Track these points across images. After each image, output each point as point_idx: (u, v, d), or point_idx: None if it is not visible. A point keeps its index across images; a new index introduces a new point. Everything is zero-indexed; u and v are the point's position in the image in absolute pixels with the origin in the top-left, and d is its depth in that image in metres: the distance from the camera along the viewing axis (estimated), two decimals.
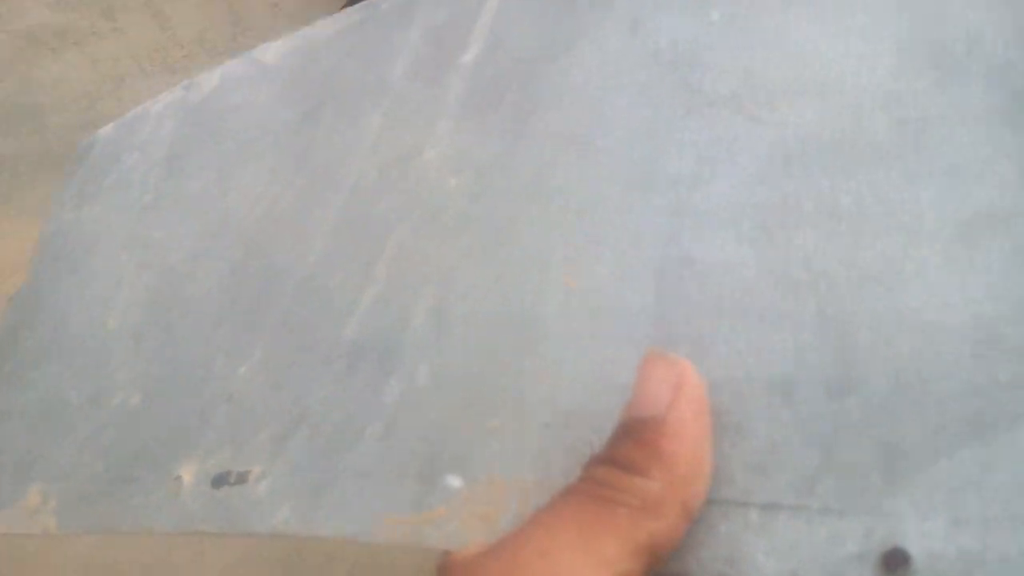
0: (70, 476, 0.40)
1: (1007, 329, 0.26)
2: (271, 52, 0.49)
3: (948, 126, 0.29)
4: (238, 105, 0.48)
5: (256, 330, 0.38)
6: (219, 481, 0.34)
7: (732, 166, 0.31)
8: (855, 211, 0.29)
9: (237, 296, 0.40)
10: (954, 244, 0.28)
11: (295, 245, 0.39)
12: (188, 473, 0.35)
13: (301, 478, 0.32)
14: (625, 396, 0.27)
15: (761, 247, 0.29)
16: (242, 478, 0.34)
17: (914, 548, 0.25)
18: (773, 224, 0.29)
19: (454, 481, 0.30)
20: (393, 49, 0.43)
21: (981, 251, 0.27)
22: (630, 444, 0.25)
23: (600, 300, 0.31)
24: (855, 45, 0.31)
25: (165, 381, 0.39)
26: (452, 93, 0.39)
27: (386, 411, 0.32)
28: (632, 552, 0.24)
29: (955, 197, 0.28)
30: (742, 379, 0.28)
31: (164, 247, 0.44)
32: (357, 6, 0.47)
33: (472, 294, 0.33)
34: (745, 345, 0.28)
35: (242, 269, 0.40)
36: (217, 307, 0.40)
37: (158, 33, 1.97)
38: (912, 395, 0.26)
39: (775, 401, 0.27)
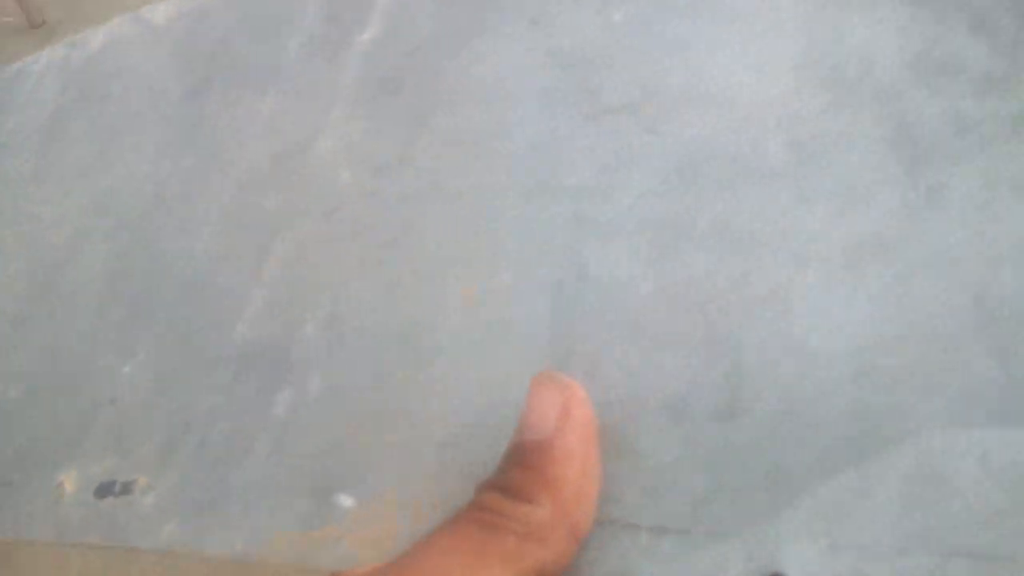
0: None
1: (885, 358, 0.27)
2: (160, 12, 0.47)
3: (839, 150, 0.30)
4: (124, 68, 0.46)
5: (141, 325, 0.37)
6: (103, 491, 0.33)
7: (630, 179, 0.31)
8: (747, 232, 0.29)
9: (121, 285, 0.38)
10: (839, 270, 0.28)
11: (181, 234, 0.38)
12: (70, 480, 0.34)
13: (189, 491, 0.32)
14: (518, 413, 0.27)
15: (656, 265, 0.29)
16: (127, 488, 0.33)
17: (793, 573, 0.26)
18: (668, 242, 0.29)
19: (346, 500, 0.30)
20: (287, 22, 0.42)
21: (864, 278, 0.28)
22: (517, 470, 0.26)
23: (496, 313, 0.31)
24: (755, 59, 0.31)
25: (46, 375, 0.38)
26: (348, 75, 0.38)
27: (276, 424, 0.32)
28: None
29: (842, 222, 0.29)
30: (634, 400, 0.28)
31: (44, 222, 0.43)
32: None
33: (366, 303, 0.33)
34: (638, 365, 0.28)
35: (126, 255, 0.39)
36: (101, 295, 0.39)
37: None
38: (796, 419, 0.27)
39: (666, 423, 0.28)
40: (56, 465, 0.34)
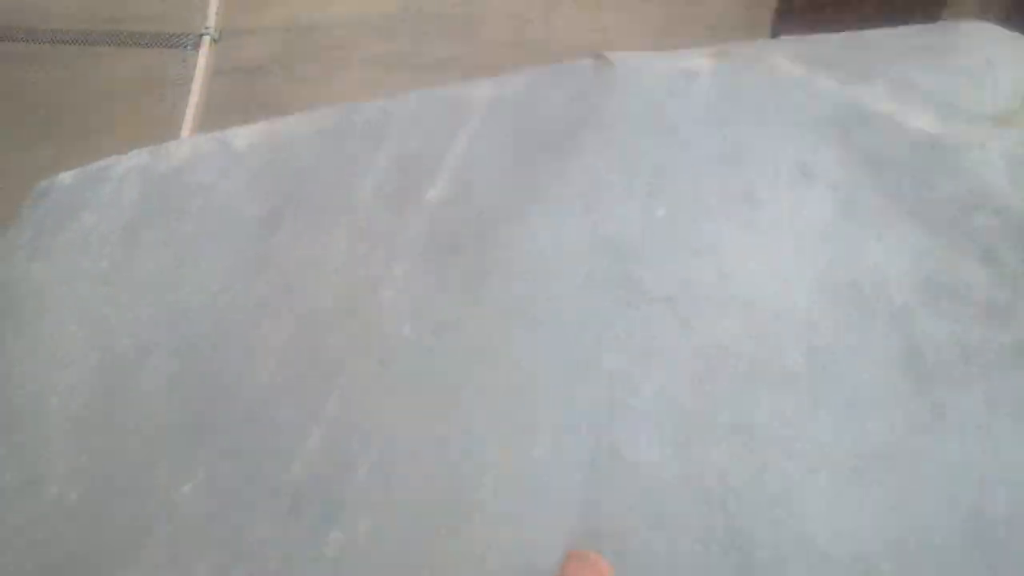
0: None
1: (884, 564, 0.30)
2: (242, 137, 0.50)
3: (852, 362, 0.33)
4: (203, 185, 0.48)
5: (202, 447, 0.39)
6: None
7: (664, 367, 0.34)
8: (765, 431, 0.32)
9: (184, 403, 0.40)
10: (847, 477, 0.31)
11: (245, 360, 0.40)
12: None
13: None
14: None
15: (682, 453, 0.32)
16: None
17: None
18: (693, 433, 0.32)
19: None
20: (362, 167, 0.44)
21: (870, 486, 0.31)
22: None
23: (532, 483, 0.33)
24: (779, 268, 0.34)
25: (105, 480, 0.39)
26: (413, 230, 0.41)
27: (327, 564, 0.34)
28: None
29: (852, 430, 0.32)
30: None
31: (114, 328, 0.45)
32: (331, 111, 0.48)
33: (415, 454, 0.35)
34: (661, 547, 0.31)
35: (191, 373, 0.41)
36: (163, 409, 0.40)
37: None
38: None
39: None
40: (111, 573, 0.36)
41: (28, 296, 0.48)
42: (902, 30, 0.40)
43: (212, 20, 1.24)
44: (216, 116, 1.46)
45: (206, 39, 1.22)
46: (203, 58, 1.20)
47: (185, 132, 1.11)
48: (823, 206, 0.35)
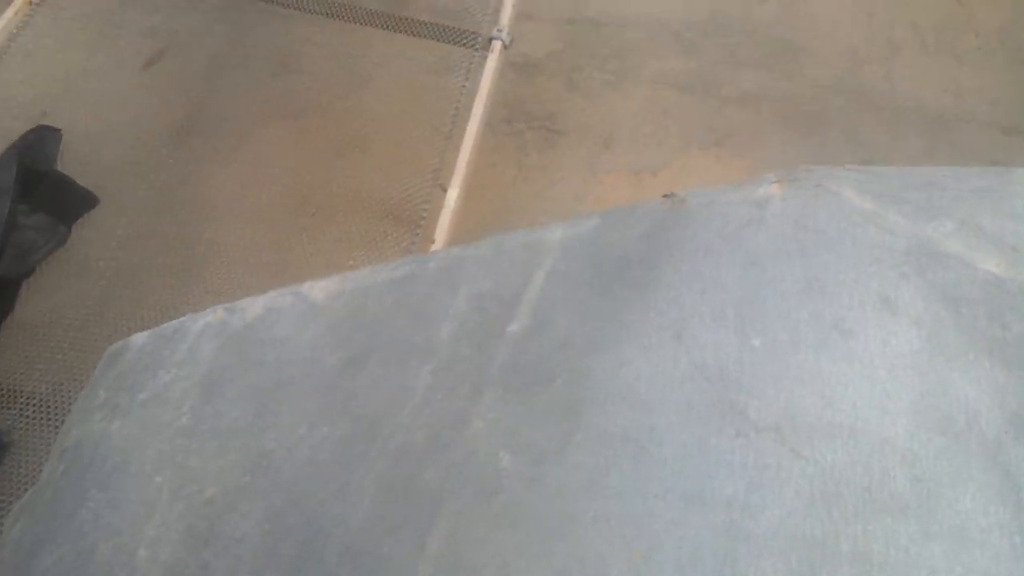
0: None
1: None
2: (318, 290, 0.50)
3: (954, 491, 0.35)
4: (280, 338, 0.48)
5: None
6: None
7: (780, 496, 0.36)
8: (883, 558, 0.34)
9: (277, 547, 0.40)
10: None
11: (338, 502, 0.40)
12: None
13: None
14: None
15: None
16: None
17: None
18: (817, 561, 0.34)
19: None
20: (440, 309, 0.45)
21: None
22: None
23: None
24: (878, 398, 0.36)
25: None
26: (498, 362, 0.42)
27: None
28: None
29: (961, 559, 0.34)
30: None
31: (200, 477, 0.44)
32: (404, 260, 0.49)
33: None
34: None
35: (282, 517, 0.41)
36: (257, 552, 0.40)
37: (955, 7, 1.57)
38: None
39: None
40: None
41: (110, 453, 0.46)
42: (962, 171, 0.44)
43: (506, 21, 1.13)
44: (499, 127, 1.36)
45: (497, 43, 1.16)
46: (492, 63, 1.08)
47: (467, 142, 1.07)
48: (910, 339, 0.38)
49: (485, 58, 1.11)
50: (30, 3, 1.14)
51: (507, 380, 0.41)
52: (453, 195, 0.97)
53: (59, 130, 1.16)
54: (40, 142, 1.15)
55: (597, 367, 0.40)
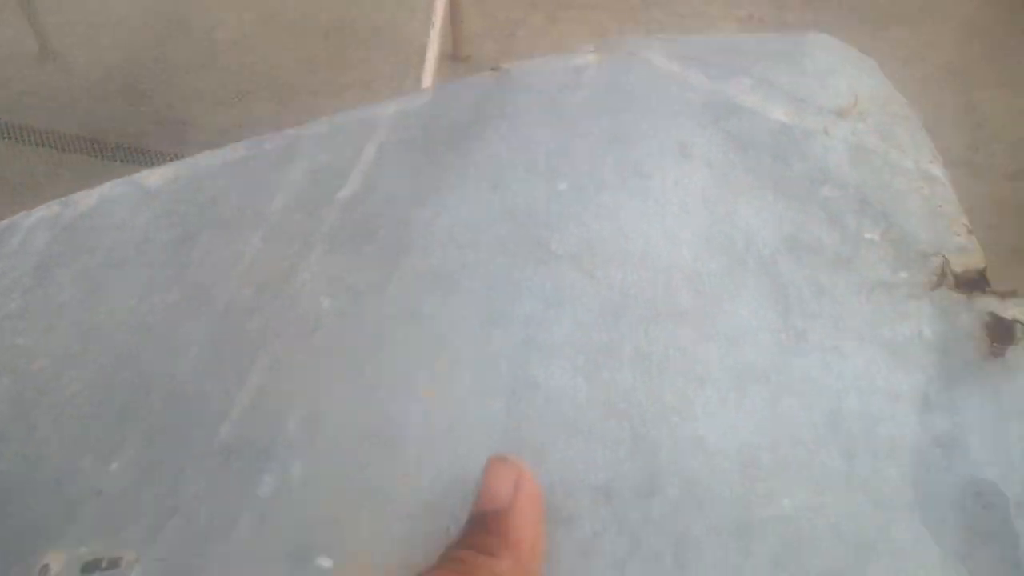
0: None
1: (763, 454, 0.37)
2: (154, 176, 0.51)
3: (731, 302, 0.40)
4: (114, 224, 0.49)
5: (127, 432, 0.40)
6: (89, 568, 0.36)
7: (573, 312, 0.40)
8: (662, 358, 0.39)
9: (106, 401, 0.41)
10: (730, 389, 0.38)
11: (167, 356, 0.42)
12: (57, 561, 0.36)
13: (173, 563, 0.36)
14: (476, 490, 0.34)
15: (592, 379, 0.38)
16: (114, 563, 0.36)
17: None
18: (602, 361, 0.39)
19: (324, 562, 0.35)
20: (274, 184, 0.48)
21: (748, 397, 0.38)
22: (482, 532, 0.33)
23: (457, 412, 0.38)
24: (669, 228, 0.41)
25: (25, 479, 0.40)
26: (327, 224, 0.45)
27: (259, 503, 0.37)
28: None
29: (732, 355, 0.39)
30: (573, 483, 0.36)
31: (29, 352, 0.45)
32: (240, 144, 0.51)
33: (343, 404, 0.39)
34: (576, 455, 0.37)
35: (111, 375, 0.42)
36: (85, 410, 0.41)
37: None
38: (698, 500, 0.36)
39: (598, 500, 0.36)
40: (40, 552, 0.37)
41: None
42: (763, 38, 0.49)
43: None
44: None
45: None
46: None
47: None
48: (702, 178, 0.43)
49: None
50: None
51: (334, 237, 0.44)
52: None
53: None
54: None
55: (417, 218, 0.44)
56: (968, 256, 0.41)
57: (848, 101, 0.46)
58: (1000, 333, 0.39)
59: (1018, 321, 0.39)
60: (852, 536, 0.36)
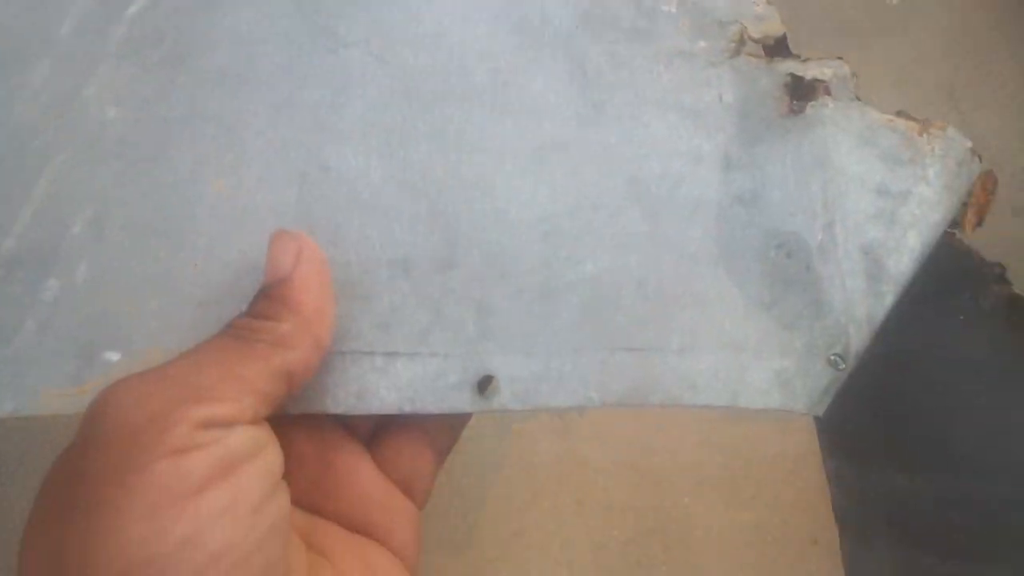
0: None
1: (564, 221, 0.36)
2: None
3: (527, 77, 0.39)
4: None
5: None
6: None
7: (363, 95, 0.38)
8: (458, 134, 0.37)
9: None
10: (530, 163, 0.37)
11: None
12: None
13: None
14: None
15: (386, 158, 0.37)
16: None
17: (499, 374, 0.33)
18: (395, 141, 0.37)
19: (112, 356, 0.34)
20: (61, 9, 0.44)
21: (548, 168, 0.37)
22: (264, 300, 0.31)
23: (247, 200, 0.36)
24: (461, 9, 0.40)
25: None
26: (114, 40, 0.42)
27: (44, 306, 0.35)
28: (270, 375, 0.29)
29: (531, 127, 0.38)
30: (370, 259, 0.35)
31: None
32: None
33: (129, 205, 0.37)
34: (373, 233, 0.35)
35: None
36: None
37: None
38: (499, 269, 0.35)
39: (396, 275, 0.35)
40: None
41: None
42: None
43: None
44: None
45: None
46: None
47: None
48: None
49: None
50: None
51: (121, 52, 0.41)
52: None
53: None
54: None
55: (203, 21, 0.41)
56: (767, 24, 0.41)
57: None
58: (800, 91, 0.39)
59: (816, 79, 0.39)
60: (656, 291, 0.35)
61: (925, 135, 0.37)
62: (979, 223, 0.38)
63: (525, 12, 0.40)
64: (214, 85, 0.39)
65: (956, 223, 0.38)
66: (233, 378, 0.28)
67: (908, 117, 0.38)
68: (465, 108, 0.38)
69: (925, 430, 0.44)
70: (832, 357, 0.34)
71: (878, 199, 0.36)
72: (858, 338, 0.34)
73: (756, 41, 0.40)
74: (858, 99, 0.38)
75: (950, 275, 0.40)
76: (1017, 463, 0.41)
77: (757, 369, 0.34)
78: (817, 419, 0.36)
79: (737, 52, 0.40)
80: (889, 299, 0.35)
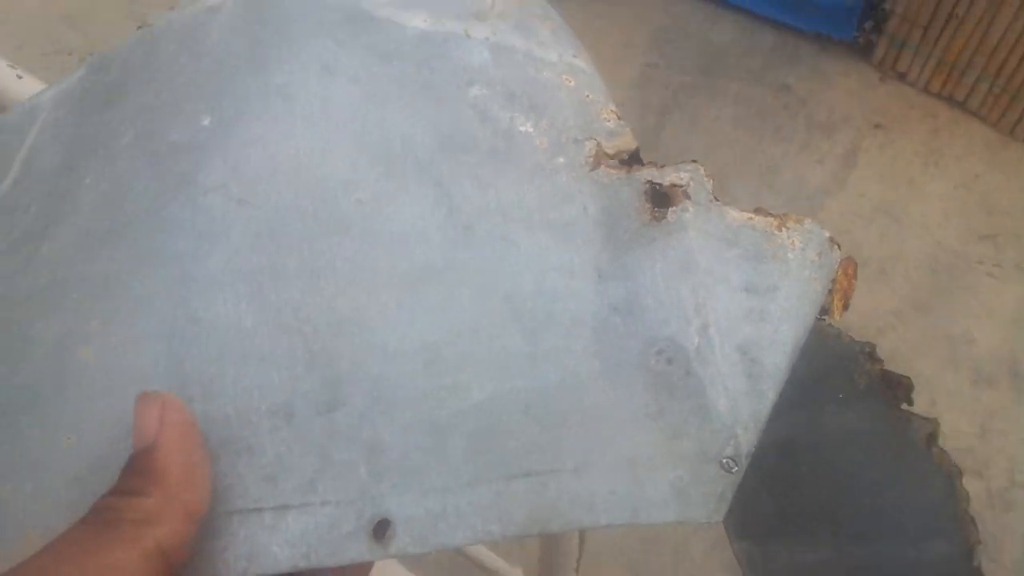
0: None
1: (445, 349, 0.36)
2: None
3: (394, 206, 0.39)
4: None
5: None
6: None
7: (228, 240, 0.38)
8: (329, 269, 0.37)
9: None
10: (404, 291, 0.37)
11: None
12: None
13: None
14: None
15: (257, 302, 0.37)
16: None
17: (395, 516, 0.33)
18: (266, 283, 0.37)
19: None
20: None
21: (422, 295, 0.37)
22: (128, 474, 0.30)
23: (115, 364, 0.36)
24: (319, 144, 0.41)
25: None
26: None
27: None
28: (141, 558, 0.28)
29: (402, 256, 0.38)
30: (249, 410, 0.35)
31: None
32: None
33: None
34: (250, 382, 0.35)
35: None
36: None
37: None
38: (384, 405, 0.35)
39: (278, 424, 0.34)
40: None
41: None
42: None
43: None
44: None
45: None
46: None
47: None
48: (348, 93, 0.42)
49: None
50: None
51: None
52: None
53: None
54: None
55: (69, 184, 0.41)
56: (619, 139, 0.43)
57: (486, 4, 0.47)
58: (660, 198, 0.41)
59: (674, 184, 0.41)
60: (544, 412, 0.36)
61: (784, 229, 0.40)
62: (845, 307, 0.41)
63: (385, 142, 0.41)
64: (76, 249, 0.39)
65: (825, 310, 0.40)
66: (99, 569, 0.27)
67: (766, 213, 0.40)
68: (334, 241, 0.38)
69: (820, 506, 0.46)
70: (724, 461, 0.35)
71: (747, 298, 0.38)
72: (747, 439, 0.36)
73: (611, 157, 0.42)
74: (716, 199, 0.40)
75: (825, 358, 0.42)
76: (914, 527, 0.43)
77: (652, 482, 0.35)
78: None
79: (596, 165, 0.42)
80: (771, 396, 0.36)
